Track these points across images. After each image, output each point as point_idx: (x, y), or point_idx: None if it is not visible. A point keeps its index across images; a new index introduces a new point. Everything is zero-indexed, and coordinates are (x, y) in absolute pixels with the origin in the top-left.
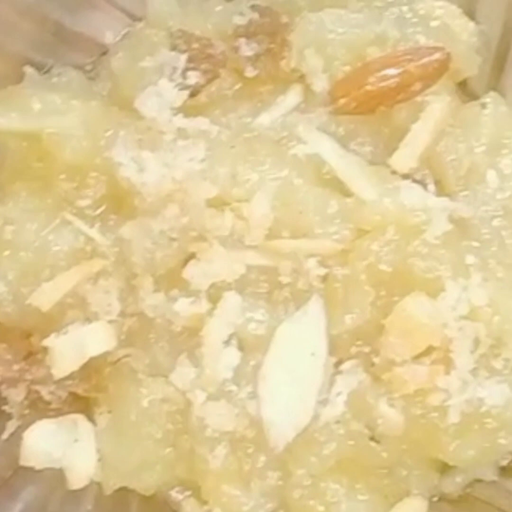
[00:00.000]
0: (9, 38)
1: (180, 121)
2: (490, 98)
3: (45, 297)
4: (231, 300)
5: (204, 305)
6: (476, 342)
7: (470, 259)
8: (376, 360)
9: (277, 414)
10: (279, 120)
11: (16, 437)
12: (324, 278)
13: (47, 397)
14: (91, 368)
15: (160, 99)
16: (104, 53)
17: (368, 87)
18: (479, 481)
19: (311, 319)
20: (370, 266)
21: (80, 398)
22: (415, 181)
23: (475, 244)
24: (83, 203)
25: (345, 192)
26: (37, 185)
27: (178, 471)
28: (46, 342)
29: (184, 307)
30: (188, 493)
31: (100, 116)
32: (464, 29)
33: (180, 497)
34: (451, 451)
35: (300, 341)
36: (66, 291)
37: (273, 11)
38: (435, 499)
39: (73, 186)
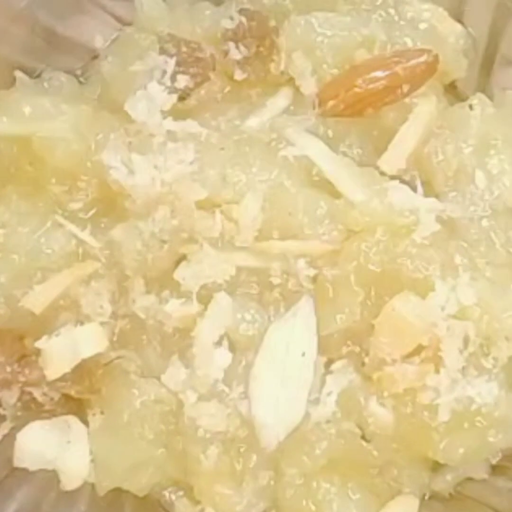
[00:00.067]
0: (0, 44)
1: (169, 124)
2: (477, 99)
3: (38, 299)
4: (222, 301)
5: (195, 306)
6: (466, 341)
7: (458, 259)
8: (366, 359)
9: (269, 414)
10: (269, 122)
11: (10, 438)
12: (314, 279)
13: (40, 398)
14: (84, 370)
15: (149, 102)
16: (94, 58)
17: (356, 90)
18: (470, 479)
19: (302, 320)
20: (359, 267)
21: (73, 399)
22: (403, 182)
23: (464, 244)
24: (74, 206)
25: (334, 194)
26: (28, 189)
27: (170, 472)
28: (38, 344)
29: (175, 308)
30: (181, 493)
31: (90, 119)
32: (452, 32)
33: (173, 497)
34: (441, 449)
35: (291, 342)
36: (58, 294)
37: (262, 15)
38: (426, 497)
39: (64, 189)
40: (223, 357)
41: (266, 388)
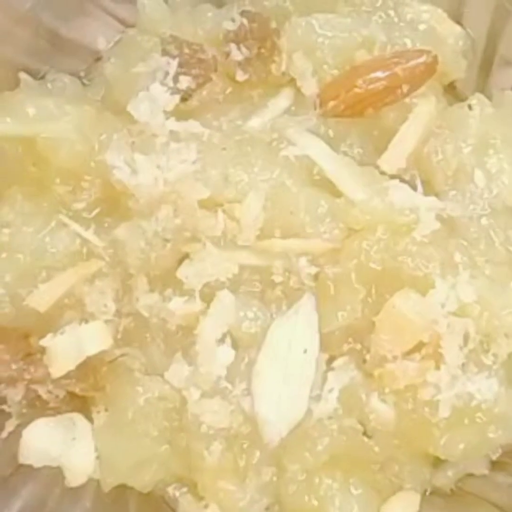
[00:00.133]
0: (4, 45)
1: (172, 124)
2: (476, 99)
3: (42, 298)
4: (224, 299)
5: (198, 304)
6: (466, 338)
7: (458, 257)
8: (367, 356)
9: (271, 411)
10: (270, 122)
11: (15, 435)
12: (316, 277)
13: (45, 396)
14: (88, 368)
15: (152, 103)
16: (97, 59)
17: (357, 90)
18: (470, 475)
19: (303, 317)
20: (360, 265)
21: (78, 397)
22: (403, 181)
23: (464, 242)
24: (78, 206)
25: (335, 193)
26: (32, 189)
27: (174, 468)
28: (43, 342)
29: (178, 306)
30: (184, 489)
31: (94, 120)
32: (451, 33)
33: (177, 493)
34: (442, 445)
35: (293, 339)
36: (63, 292)
37: (263, 17)
38: (428, 493)
39: (68, 189)
40: (226, 354)
41: (269, 385)
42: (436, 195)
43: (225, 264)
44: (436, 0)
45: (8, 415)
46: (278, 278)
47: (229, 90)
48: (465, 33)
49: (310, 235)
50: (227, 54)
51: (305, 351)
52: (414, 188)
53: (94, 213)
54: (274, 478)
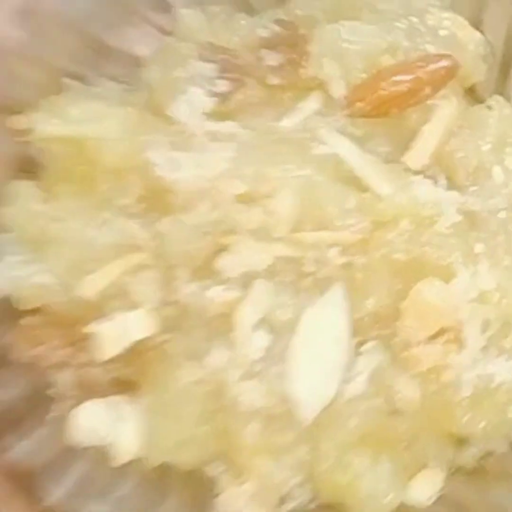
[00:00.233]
0: (51, 52)
1: (210, 125)
2: (495, 101)
3: (91, 288)
4: (260, 287)
5: (235, 293)
6: (486, 323)
7: (478, 248)
8: (394, 341)
9: (304, 391)
10: (301, 123)
11: (64, 418)
12: (345, 267)
13: (92, 380)
14: (133, 353)
15: (191, 105)
16: (139, 66)
17: (382, 92)
18: (491, 453)
19: (334, 304)
20: (387, 255)
21: (124, 380)
22: (427, 177)
23: (483, 234)
24: (123, 202)
25: (362, 188)
26: (80, 187)
27: (214, 448)
28: (92, 328)
29: (217, 295)
30: (223, 467)
31: (136, 122)
32: (471, 39)
33: (216, 471)
34: (464, 423)
35: (325, 325)
36: (109, 282)
37: (293, 24)
38: (451, 471)
39: (113, 186)
40: (262, 339)
41: (302, 367)
42: (458, 190)
43: (260, 255)
44: (457, 7)
45: (58, 398)
46: (309, 268)
47: (262, 93)
48: (485, 39)
49: (340, 228)
50: (261, 60)
51: (336, 336)
52: (437, 183)
53: (138, 208)
54: (307, 457)
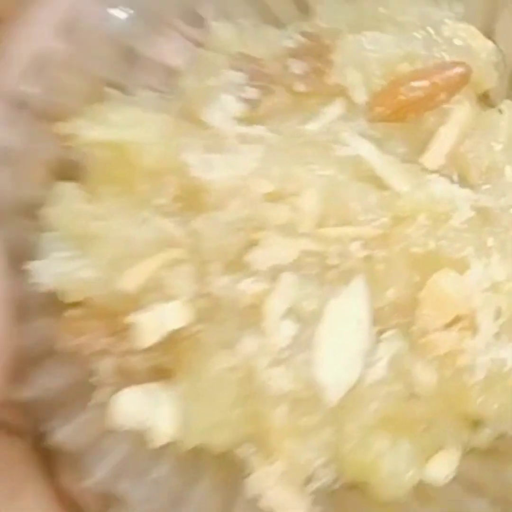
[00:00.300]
0: (93, 64)
1: (241, 129)
2: (505, 105)
3: (130, 281)
4: (287, 280)
5: (264, 285)
6: (498, 311)
7: (491, 241)
8: (412, 329)
9: (329, 376)
10: (325, 127)
11: (105, 403)
12: (366, 260)
13: (132, 367)
14: (169, 342)
15: (223, 111)
16: (173, 75)
17: (401, 97)
18: (504, 435)
19: (356, 295)
20: (405, 248)
21: (160, 368)
22: (442, 176)
23: (495, 229)
24: (160, 201)
25: (382, 186)
26: (120, 187)
27: (245, 430)
28: (132, 319)
29: (247, 287)
30: (253, 449)
31: (173, 127)
32: (483, 48)
33: (247, 453)
34: (478, 406)
35: (348, 314)
36: (148, 276)
37: (318, 35)
38: (466, 451)
39: (151, 187)
40: (289, 328)
41: (327, 354)
42: (471, 188)
43: (287, 249)
44: (470, 18)
45: (100, 385)
46: (333, 261)
47: (289, 99)
48: (496, 48)
49: (361, 223)
50: (287, 68)
51: (358, 325)
52: (452, 182)
53: (173, 207)
54: (332, 438)
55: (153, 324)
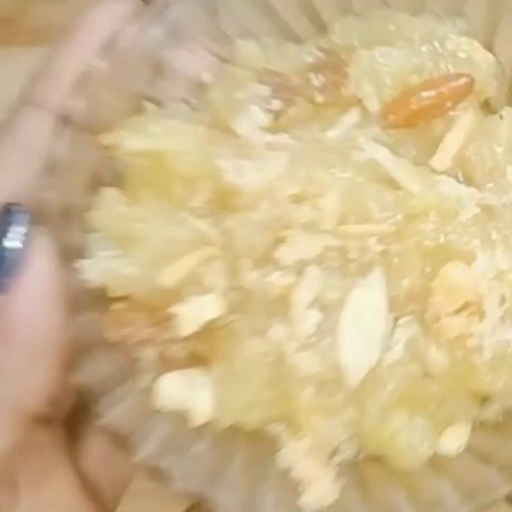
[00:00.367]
0: (130, 79)
1: (267, 137)
2: (506, 111)
3: (170, 277)
4: (312, 273)
5: (291, 278)
6: (502, 298)
7: (495, 235)
8: (425, 315)
9: (351, 359)
10: (343, 134)
11: (149, 388)
12: (383, 253)
13: (172, 354)
14: (205, 331)
15: (251, 121)
16: (204, 90)
17: (411, 106)
18: (510, 410)
19: (375, 285)
20: (418, 243)
21: (198, 355)
22: (450, 177)
23: (499, 224)
24: (195, 204)
25: (396, 187)
26: (158, 192)
27: (275, 409)
28: (172, 310)
29: (276, 280)
30: (283, 427)
31: (206, 136)
32: (485, 60)
33: (277, 430)
34: (486, 383)
35: (367, 302)
36: (185, 272)
37: (334, 51)
38: (476, 426)
39: (187, 191)
40: (314, 316)
41: (349, 339)
42: (476, 187)
43: (311, 245)
44: (472, 33)
45: (144, 371)
46: (353, 255)
47: (310, 109)
48: (496, 60)
49: (378, 221)
50: (308, 81)
51: (376, 312)
52: (459, 182)
53: (207, 209)
54: (354, 415)
55: (191, 315)
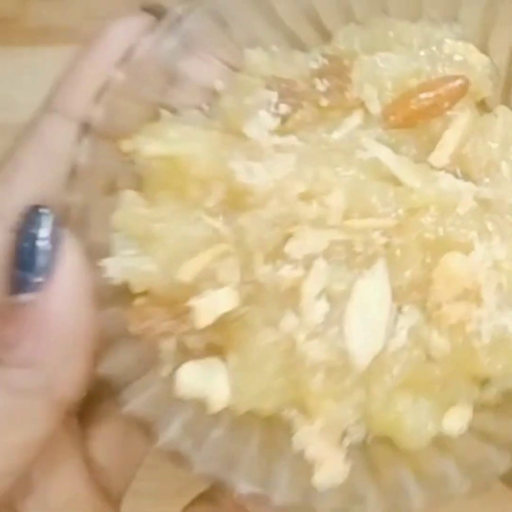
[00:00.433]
0: (147, 89)
1: (276, 140)
2: (500, 110)
3: (187, 273)
4: (319, 266)
5: (300, 271)
6: (499, 285)
7: (491, 227)
8: (427, 303)
9: (358, 346)
10: (347, 135)
11: (170, 377)
12: (386, 246)
13: (191, 345)
14: (221, 323)
15: (260, 125)
16: (216, 97)
17: (411, 107)
18: (509, 391)
19: (378, 276)
20: (419, 235)
21: (215, 345)
22: (448, 173)
23: (495, 216)
24: (209, 204)
25: (398, 183)
26: (174, 194)
27: (288, 395)
28: (189, 304)
29: (286, 273)
30: (295, 411)
31: (219, 140)
32: (479, 63)
33: (290, 415)
34: (485, 366)
35: (371, 293)
36: (201, 268)
37: (338, 57)
38: (477, 407)
39: (201, 193)
40: (323, 306)
41: (355, 327)
42: (473, 182)
43: (319, 240)
44: (467, 37)
45: (165, 362)
46: (358, 249)
47: (315, 113)
48: (491, 62)
49: (381, 215)
50: (313, 87)
51: (381, 301)
52: (456, 177)
53: (220, 208)
54: (362, 399)
55: (207, 308)
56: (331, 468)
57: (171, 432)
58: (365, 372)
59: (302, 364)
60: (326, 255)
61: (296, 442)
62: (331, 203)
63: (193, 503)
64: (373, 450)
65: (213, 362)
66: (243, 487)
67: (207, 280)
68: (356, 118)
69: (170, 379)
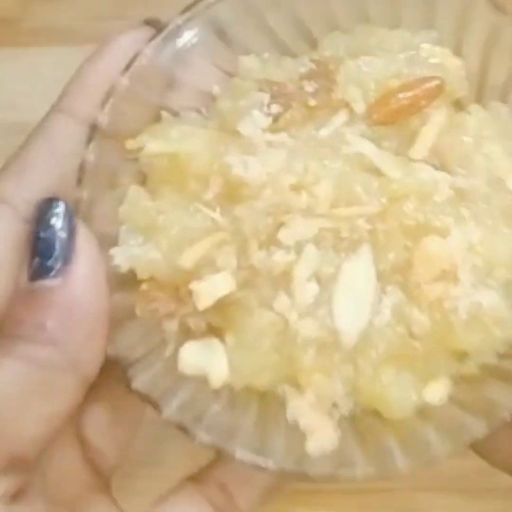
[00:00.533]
0: (149, 93)
1: (268, 137)
2: (473, 108)
3: (188, 260)
4: (310, 251)
5: (292, 256)
6: (474, 267)
7: (466, 213)
8: (408, 283)
9: (346, 324)
10: (333, 132)
11: (174, 355)
12: (371, 232)
13: (192, 326)
14: (221, 305)
15: (254, 124)
16: (212, 100)
17: (392, 106)
18: (485, 365)
19: (364, 260)
20: (400, 222)
21: (214, 326)
22: (426, 164)
23: (469, 204)
24: (207, 196)
25: (380, 174)
26: (175, 188)
27: (282, 372)
28: (191, 287)
29: (279, 258)
30: (289, 386)
31: (216, 138)
32: (454, 65)
33: (284, 389)
34: (463, 340)
35: (357, 275)
36: (201, 255)
37: (324, 62)
38: (456, 379)
39: (200, 186)
40: (313, 288)
41: (343, 306)
42: (449, 173)
43: (308, 227)
44: (443, 42)
45: (169, 341)
46: (345, 235)
47: (304, 112)
48: (464, 64)
49: (365, 204)
50: (302, 88)
51: (366, 282)
52: (434, 169)
53: (218, 200)
54: (351, 373)
55: (207, 291)
56: (322, 436)
57: (174, 406)
58: (353, 348)
59: (295, 342)
60: (315, 241)
61: (290, 414)
62: (319, 193)
63: (180, 484)
64: (361, 420)
65: (213, 342)
66: (241, 454)
67: (207, 266)
68: (342, 117)
69: (173, 357)
